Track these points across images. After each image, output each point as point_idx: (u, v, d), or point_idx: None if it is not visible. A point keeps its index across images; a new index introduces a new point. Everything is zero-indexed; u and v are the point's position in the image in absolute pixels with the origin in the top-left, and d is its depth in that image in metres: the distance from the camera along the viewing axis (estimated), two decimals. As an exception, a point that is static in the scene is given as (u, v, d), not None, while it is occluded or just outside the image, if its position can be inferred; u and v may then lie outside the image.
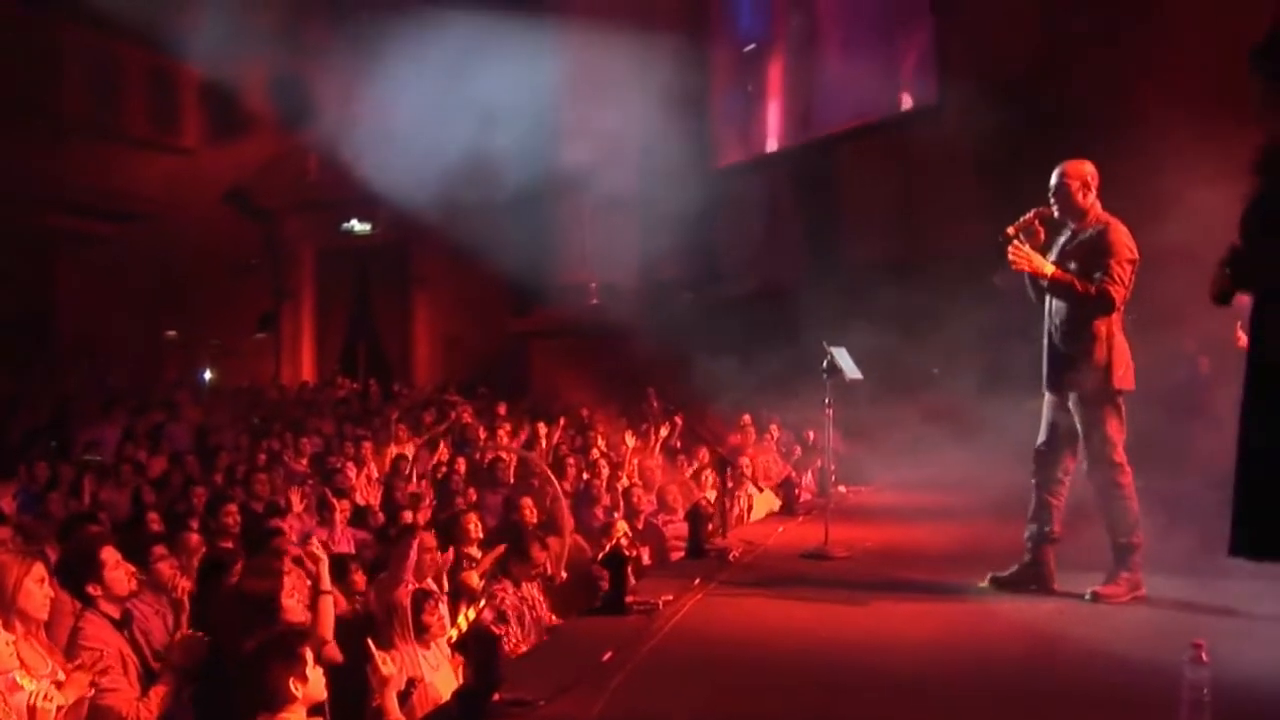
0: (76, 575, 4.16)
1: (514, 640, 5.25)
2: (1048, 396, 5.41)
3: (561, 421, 11.74)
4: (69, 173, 18.06)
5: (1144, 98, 9.82)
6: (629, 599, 5.31)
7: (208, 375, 20.43)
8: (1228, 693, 3.22)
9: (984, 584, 5.52)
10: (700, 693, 4.04)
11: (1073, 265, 5.23)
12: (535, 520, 7.02)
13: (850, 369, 6.98)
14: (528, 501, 7.27)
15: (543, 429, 10.87)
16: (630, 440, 10.13)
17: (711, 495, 8.76)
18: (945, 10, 13.90)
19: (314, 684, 3.48)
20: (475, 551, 5.98)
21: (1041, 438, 5.45)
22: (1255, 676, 3.77)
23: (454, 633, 4.93)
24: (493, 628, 4.84)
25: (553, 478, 7.96)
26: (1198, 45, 9.49)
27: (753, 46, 17.29)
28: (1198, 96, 8.74)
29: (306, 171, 20.21)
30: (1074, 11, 11.78)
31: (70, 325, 18.89)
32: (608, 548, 5.93)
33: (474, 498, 8.63)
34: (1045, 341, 5.38)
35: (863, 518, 8.27)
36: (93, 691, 3.58)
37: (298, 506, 7.66)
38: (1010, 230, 5.28)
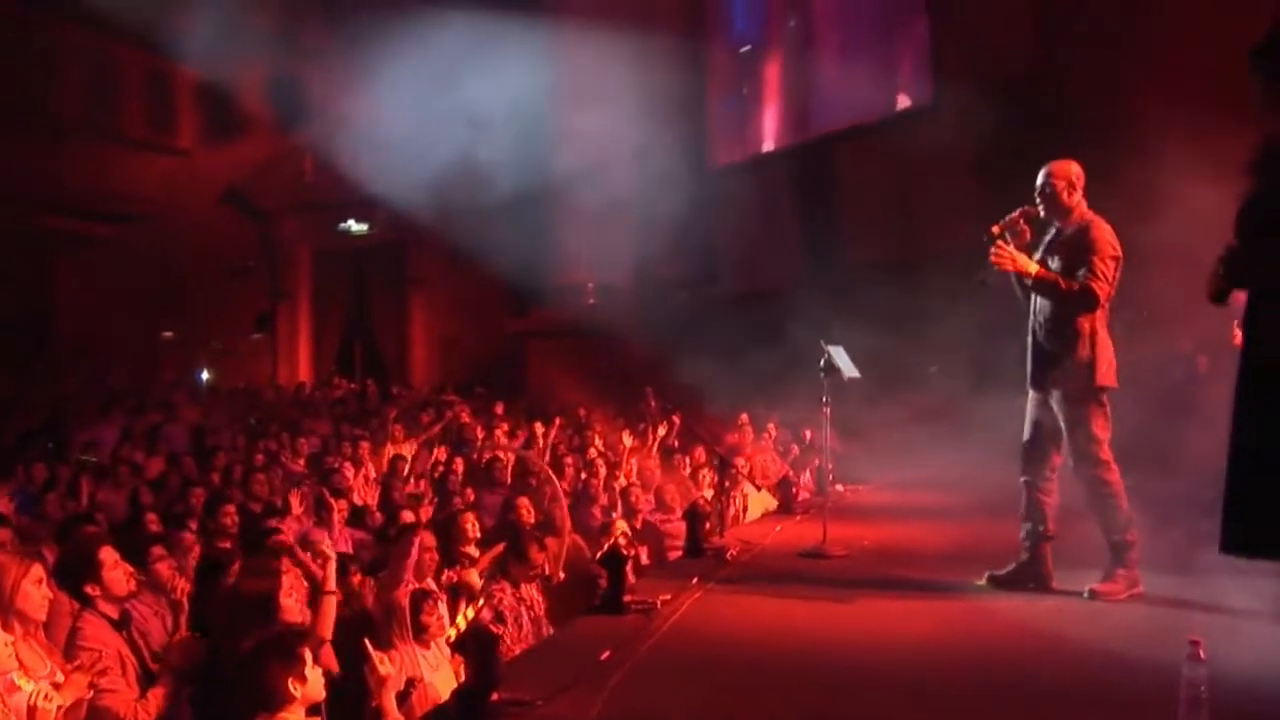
0: (75, 575, 4.15)
1: (512, 641, 5.24)
2: (1031, 394, 5.43)
3: (557, 421, 11.74)
4: (67, 174, 18.04)
5: (1143, 98, 9.82)
6: (627, 598, 5.31)
7: (205, 376, 20.42)
8: (1225, 690, 3.22)
9: (982, 582, 5.53)
10: (699, 692, 4.04)
11: (1056, 263, 5.26)
12: (533, 521, 7.02)
13: (848, 368, 6.99)
14: (525, 502, 7.27)
15: (539, 429, 10.87)
16: (628, 440, 10.13)
17: (709, 494, 8.78)
18: (941, 10, 13.91)
19: (313, 684, 3.47)
20: (473, 551, 5.97)
21: (1026, 435, 5.47)
22: (1253, 674, 3.78)
23: (452, 632, 4.92)
24: (491, 627, 4.83)
25: (553, 476, 7.96)
26: (1197, 45, 9.49)
27: (748, 48, 17.31)
28: (1197, 96, 8.74)
29: (303, 172, 20.20)
30: (1073, 11, 11.79)
31: (69, 326, 18.88)
32: (606, 546, 5.93)
33: (471, 498, 8.63)
34: (1030, 339, 5.40)
35: (861, 516, 8.29)
36: (91, 692, 3.58)
37: (297, 509, 7.65)
38: (995, 229, 5.30)
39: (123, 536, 5.35)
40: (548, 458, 9.64)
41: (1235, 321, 4.44)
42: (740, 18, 17.75)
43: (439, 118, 14.38)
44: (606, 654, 4.36)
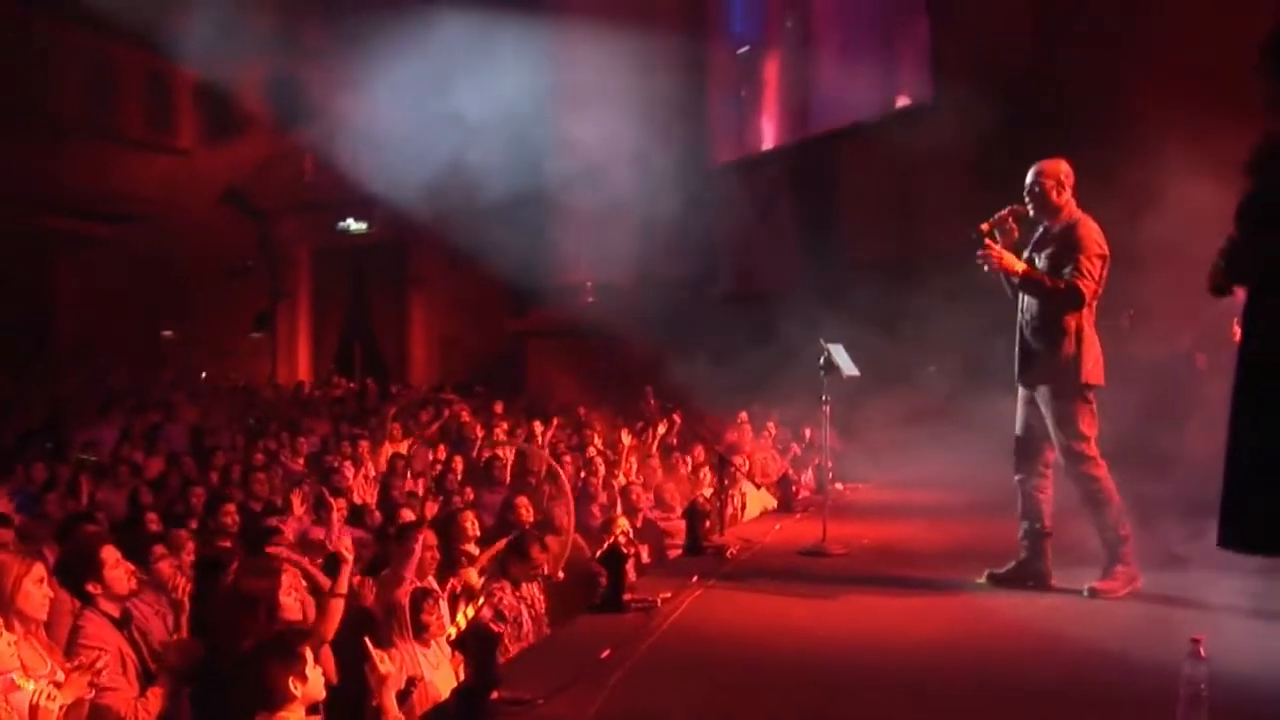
0: (76, 574, 4.14)
1: (512, 640, 5.24)
2: (1020, 391, 5.45)
3: (556, 421, 11.74)
4: (66, 174, 18.06)
5: (1142, 98, 9.82)
6: (627, 597, 5.32)
7: (204, 375, 20.41)
8: (1226, 688, 3.23)
9: (981, 580, 5.54)
10: (698, 690, 4.04)
11: (1043, 261, 5.28)
12: (532, 519, 7.01)
13: (848, 366, 7.01)
14: (524, 501, 7.27)
15: (539, 428, 10.87)
16: (627, 438, 10.13)
17: (709, 493, 8.77)
18: (941, 10, 13.91)
19: (313, 683, 3.46)
20: (473, 549, 5.97)
21: (1018, 433, 5.49)
22: (1253, 672, 3.78)
23: (453, 631, 4.92)
24: (492, 626, 4.83)
25: (558, 470, 7.97)
26: (1197, 45, 9.49)
27: (747, 48, 17.31)
28: (1196, 96, 8.74)
29: (303, 172, 20.22)
30: (1072, 11, 11.79)
31: (69, 326, 18.90)
32: (606, 545, 5.93)
33: (471, 496, 8.63)
34: (1017, 336, 5.42)
35: (860, 515, 8.30)
36: (92, 691, 3.58)
37: (299, 509, 7.64)
38: (984, 227, 5.32)
39: (123, 535, 5.36)
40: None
41: (1234, 319, 4.45)
42: (739, 18, 17.76)
43: (438, 117, 14.37)
44: (606, 652, 4.36)
